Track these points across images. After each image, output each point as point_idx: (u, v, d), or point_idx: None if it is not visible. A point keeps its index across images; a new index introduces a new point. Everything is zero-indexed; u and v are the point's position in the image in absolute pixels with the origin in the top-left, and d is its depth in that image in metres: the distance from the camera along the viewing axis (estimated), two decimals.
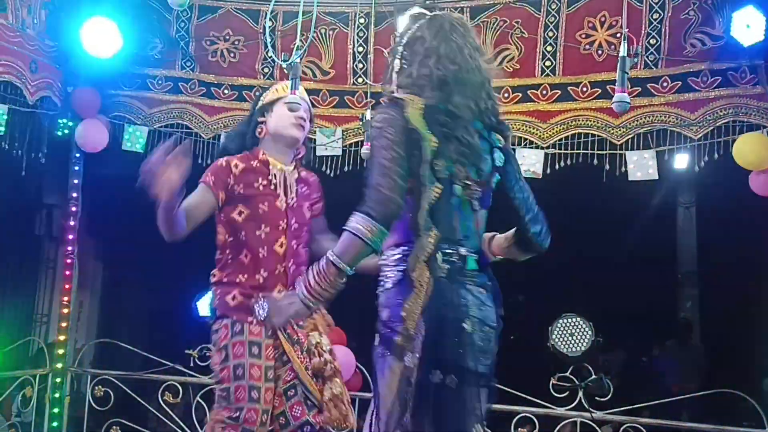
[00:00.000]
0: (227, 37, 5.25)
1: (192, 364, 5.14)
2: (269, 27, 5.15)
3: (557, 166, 4.74)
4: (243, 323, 2.98)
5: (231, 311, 3.01)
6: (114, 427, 5.23)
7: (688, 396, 5.05)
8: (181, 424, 5.22)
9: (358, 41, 5.09)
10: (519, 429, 4.73)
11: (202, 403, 5.16)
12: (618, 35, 4.54)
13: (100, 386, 5.23)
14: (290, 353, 2.96)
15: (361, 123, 4.91)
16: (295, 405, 2.96)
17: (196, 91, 5.33)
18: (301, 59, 4.89)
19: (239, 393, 2.86)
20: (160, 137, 5.29)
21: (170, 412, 5.23)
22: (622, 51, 3.38)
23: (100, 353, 6.89)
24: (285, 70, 4.93)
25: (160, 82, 5.36)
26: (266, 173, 3.12)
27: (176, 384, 5.15)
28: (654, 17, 4.56)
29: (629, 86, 4.11)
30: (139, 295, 7.69)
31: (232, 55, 5.26)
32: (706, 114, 4.49)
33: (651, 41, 4.55)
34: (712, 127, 4.48)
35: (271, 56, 5.16)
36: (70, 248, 5.28)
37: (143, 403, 5.37)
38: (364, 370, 4.82)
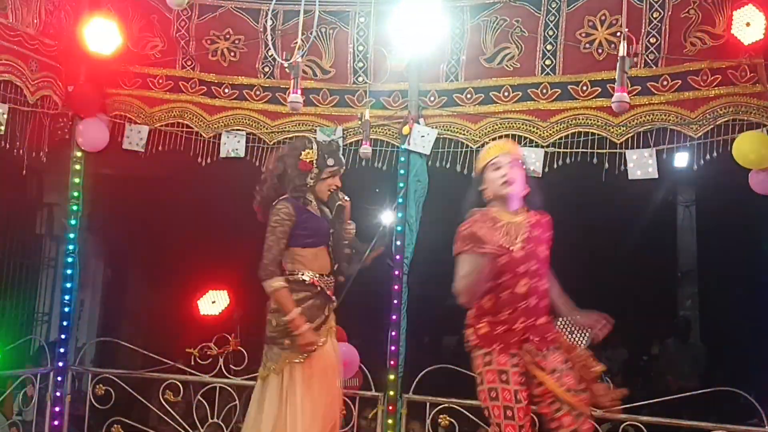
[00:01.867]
0: (228, 37, 5.25)
1: (193, 363, 5.16)
2: (270, 26, 5.16)
3: (557, 165, 4.75)
4: (492, 353, 3.39)
5: (482, 342, 3.44)
6: (115, 425, 5.24)
7: (688, 394, 5.05)
8: (182, 422, 5.23)
9: (358, 40, 5.09)
10: None
11: (203, 401, 5.18)
12: (618, 34, 4.54)
13: (101, 385, 5.23)
14: (541, 377, 3.35)
15: (359, 122, 4.93)
16: (564, 417, 3.37)
17: (196, 90, 5.34)
18: (302, 58, 4.90)
19: (495, 411, 3.31)
20: (161, 136, 5.30)
21: (171, 410, 5.24)
22: (622, 51, 3.38)
23: (101, 352, 6.90)
24: (287, 70, 4.94)
25: (160, 81, 5.37)
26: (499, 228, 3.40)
27: (177, 382, 5.16)
28: (654, 16, 4.56)
29: (629, 85, 4.12)
30: (140, 294, 7.70)
31: (232, 54, 5.27)
32: (705, 113, 4.49)
33: (651, 40, 4.55)
34: (711, 126, 4.47)
35: (272, 55, 5.17)
36: (71, 247, 5.28)
37: (144, 401, 5.38)
38: (365, 369, 4.83)
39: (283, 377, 3.84)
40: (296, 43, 5.04)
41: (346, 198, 4.10)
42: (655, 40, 4.54)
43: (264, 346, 3.94)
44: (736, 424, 4.57)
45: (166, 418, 5.28)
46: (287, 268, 3.93)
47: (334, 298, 4.04)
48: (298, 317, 3.80)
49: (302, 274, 3.92)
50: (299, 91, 3.85)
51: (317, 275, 3.95)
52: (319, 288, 3.94)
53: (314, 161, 3.99)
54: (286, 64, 4.68)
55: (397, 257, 4.93)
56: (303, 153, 3.99)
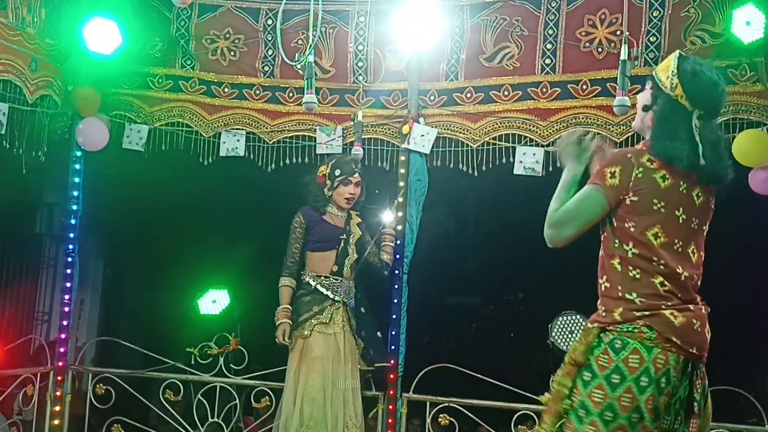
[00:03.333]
0: (227, 36, 5.25)
1: (193, 362, 5.16)
2: (270, 26, 5.16)
3: (558, 164, 4.73)
4: None
5: None
6: (115, 425, 5.24)
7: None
8: (182, 422, 5.23)
9: (357, 39, 5.09)
10: (519, 426, 4.75)
11: (203, 401, 5.18)
12: (618, 33, 4.54)
13: (101, 384, 5.24)
14: None
15: (353, 123, 4.93)
16: None
17: (196, 90, 5.33)
18: (299, 60, 4.91)
19: None
20: (161, 136, 5.30)
21: (171, 410, 5.24)
22: (623, 54, 3.39)
23: (101, 351, 6.89)
24: (300, 71, 4.96)
25: (160, 80, 5.36)
26: None
27: (177, 382, 5.17)
28: (654, 15, 4.56)
29: (629, 84, 4.12)
30: (140, 293, 7.70)
31: (232, 53, 5.26)
32: None
33: (651, 39, 4.55)
34: None
35: (272, 54, 5.17)
36: (71, 246, 5.28)
37: (144, 401, 5.38)
38: None
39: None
40: (296, 42, 5.09)
41: (390, 231, 4.89)
42: (655, 38, 4.54)
43: None
44: (736, 423, 4.58)
45: (166, 417, 5.29)
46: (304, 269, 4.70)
47: (334, 297, 4.62)
48: (280, 312, 4.60)
49: (305, 275, 4.67)
50: (313, 91, 3.89)
51: (315, 276, 4.65)
52: (313, 287, 4.62)
53: (326, 175, 4.69)
54: (298, 66, 4.74)
55: (397, 256, 4.93)
56: (319, 169, 4.75)
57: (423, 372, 4.88)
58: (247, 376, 5.14)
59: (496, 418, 5.10)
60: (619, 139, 4.62)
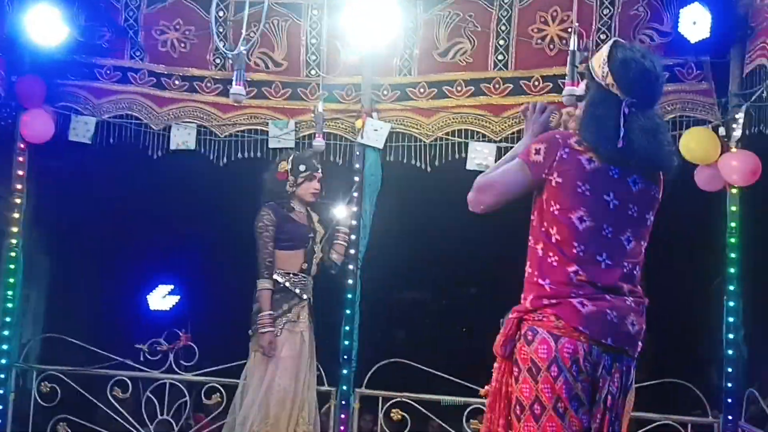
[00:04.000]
0: (178, 27, 5.17)
1: (142, 359, 5.08)
2: (221, 17, 5.09)
3: None
4: None
5: None
6: (61, 423, 5.15)
7: (635, 386, 5.13)
8: (131, 420, 5.16)
9: (311, 33, 5.05)
10: (471, 420, 4.78)
11: (152, 398, 5.10)
12: (569, 30, 4.58)
13: (46, 382, 5.14)
14: None
15: (313, 115, 4.90)
16: None
17: (145, 82, 5.24)
18: (250, 51, 4.85)
19: None
20: (109, 128, 5.20)
21: (119, 407, 5.16)
22: (572, 45, 3.42)
23: (46, 348, 6.74)
24: (230, 60, 4.88)
25: (108, 71, 5.26)
26: None
27: (125, 379, 5.09)
28: (604, 13, 4.62)
29: (580, 80, 4.16)
30: (87, 289, 7.55)
31: (182, 45, 5.18)
32: None
33: (601, 36, 4.61)
34: None
35: (224, 46, 5.10)
36: (14, 241, 5.16)
37: (91, 399, 5.28)
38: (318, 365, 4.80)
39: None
40: (249, 35, 5.03)
41: (344, 230, 4.85)
42: (605, 36, 4.60)
43: None
44: (681, 415, 4.67)
45: (114, 415, 5.19)
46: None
47: (302, 295, 4.54)
48: (264, 318, 4.41)
49: (276, 274, 4.51)
50: (242, 83, 3.82)
51: (284, 273, 4.52)
52: (282, 284, 4.49)
53: (288, 171, 4.59)
54: (230, 55, 4.64)
55: (351, 251, 4.91)
56: (279, 165, 4.63)
57: (375, 367, 4.88)
58: (198, 372, 5.09)
59: (448, 413, 5.13)
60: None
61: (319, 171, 4.65)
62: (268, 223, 4.48)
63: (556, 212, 2.54)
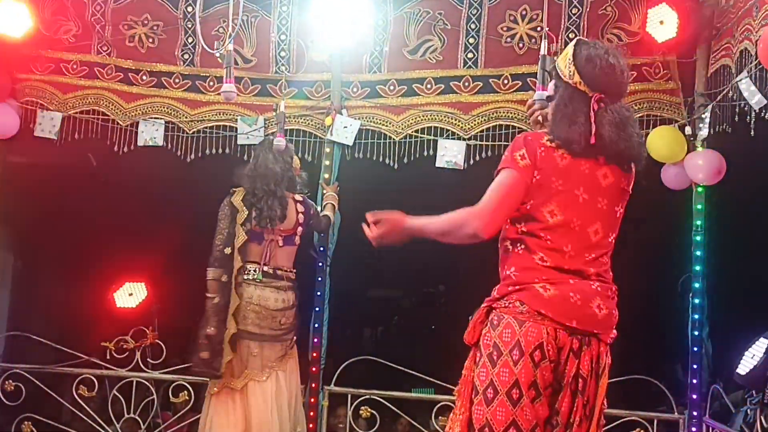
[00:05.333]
0: (146, 22, 5.11)
1: (108, 357, 5.03)
2: (190, 13, 5.05)
3: (479, 158, 4.80)
4: None
5: None
6: (25, 422, 5.07)
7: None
8: (97, 418, 5.10)
9: (280, 29, 5.03)
10: (439, 417, 4.79)
11: (119, 396, 5.05)
12: (538, 29, 4.61)
13: (10, 381, 5.06)
14: None
15: (275, 113, 4.87)
16: None
17: (112, 77, 5.18)
18: (220, 47, 4.81)
19: None
20: (75, 124, 5.13)
21: (85, 406, 5.10)
22: (543, 49, 3.43)
23: (10, 346, 6.64)
24: (219, 60, 4.84)
25: (74, 66, 5.19)
26: None
27: (91, 377, 5.03)
28: (573, 12, 4.65)
29: (549, 80, 4.19)
30: (52, 286, 7.44)
31: (150, 40, 5.13)
32: None
33: (570, 36, 4.64)
34: None
35: (192, 42, 5.06)
36: None
37: (57, 397, 5.21)
38: None
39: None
40: (217, 30, 5.00)
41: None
42: (574, 35, 4.62)
43: None
44: (647, 410, 4.72)
45: (80, 414, 5.13)
46: None
47: None
48: None
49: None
50: (233, 81, 3.79)
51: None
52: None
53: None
54: (217, 54, 4.59)
55: (321, 248, 4.90)
56: (294, 160, 4.53)
57: (344, 364, 4.87)
58: (165, 370, 5.04)
59: (416, 409, 5.14)
60: None
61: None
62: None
63: (529, 207, 2.58)
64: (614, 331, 2.64)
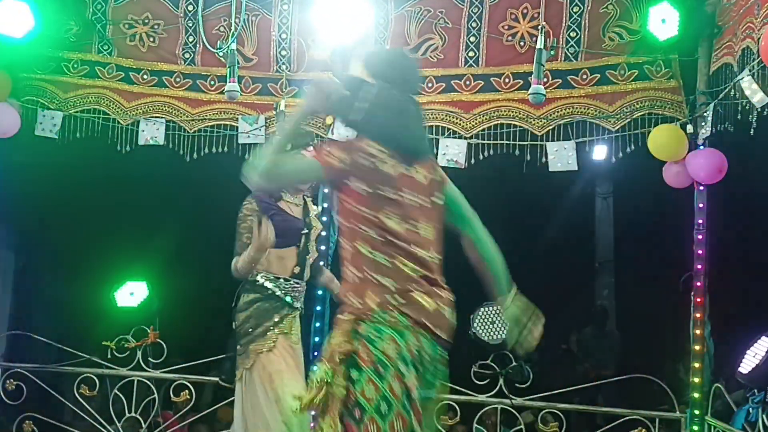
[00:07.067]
0: (146, 21, 5.11)
1: (109, 356, 5.03)
2: (191, 11, 5.05)
3: (480, 157, 4.80)
4: None
5: None
6: (27, 421, 5.08)
7: (604, 381, 5.19)
8: (98, 417, 5.10)
9: (281, 28, 5.02)
10: (441, 416, 4.78)
11: (120, 395, 5.05)
12: (540, 27, 4.60)
13: (11, 380, 5.07)
14: None
15: (275, 112, 4.87)
16: None
17: (113, 76, 5.18)
18: (221, 46, 4.82)
19: None
20: (76, 123, 5.13)
21: (86, 405, 5.10)
22: (539, 43, 3.44)
23: (11, 345, 6.65)
24: (222, 59, 4.87)
25: (75, 65, 5.19)
26: None
27: (93, 376, 5.04)
28: (574, 10, 4.64)
29: (550, 78, 4.19)
30: (54, 286, 7.45)
31: (151, 39, 5.13)
32: (623, 106, 4.62)
33: (571, 34, 4.64)
34: (628, 119, 4.61)
35: (193, 41, 5.06)
36: None
37: (58, 396, 5.22)
38: None
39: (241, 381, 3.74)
40: (218, 29, 5.00)
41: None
42: (575, 34, 4.63)
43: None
44: (648, 409, 4.72)
45: (81, 413, 5.14)
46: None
47: (294, 303, 3.80)
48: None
49: (258, 275, 3.74)
50: (236, 80, 3.77)
51: (273, 277, 3.75)
52: (270, 291, 3.74)
53: None
54: (220, 53, 4.59)
55: (322, 248, 4.89)
56: None
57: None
58: (166, 369, 5.04)
59: None
60: (540, 132, 4.70)
61: (311, 149, 3.78)
62: (247, 212, 3.75)
63: (367, 213, 2.51)
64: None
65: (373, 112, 2.55)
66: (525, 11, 4.72)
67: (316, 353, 4.83)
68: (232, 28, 4.03)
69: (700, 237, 4.54)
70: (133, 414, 5.04)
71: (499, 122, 4.78)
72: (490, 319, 4.60)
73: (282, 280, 3.77)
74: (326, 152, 2.53)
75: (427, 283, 2.53)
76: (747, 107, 3.88)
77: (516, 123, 4.74)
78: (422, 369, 2.48)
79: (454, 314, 2.60)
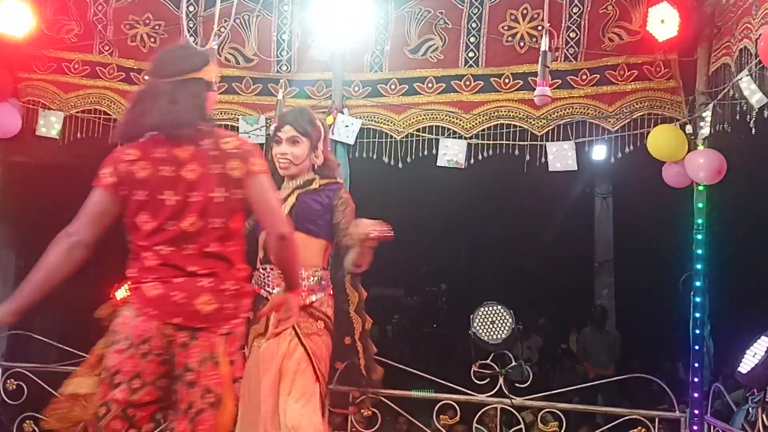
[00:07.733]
0: (147, 22, 5.12)
1: None
2: (192, 12, 5.06)
3: (480, 157, 4.81)
4: None
5: None
6: (27, 421, 5.07)
7: (604, 381, 5.20)
8: None
9: (281, 28, 5.03)
10: (441, 416, 4.79)
11: None
12: (539, 28, 4.61)
13: (12, 379, 5.05)
14: None
15: (277, 102, 4.85)
16: None
17: (114, 76, 5.19)
18: (221, 47, 4.83)
19: None
20: (77, 123, 5.14)
21: None
22: (544, 46, 3.45)
23: (12, 345, 6.66)
24: (224, 61, 4.88)
25: (76, 66, 5.20)
26: None
27: None
28: (574, 11, 4.65)
29: (550, 79, 4.20)
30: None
31: (152, 39, 5.14)
32: (622, 106, 4.63)
33: (571, 35, 4.65)
34: (628, 120, 4.62)
35: (194, 42, 5.07)
36: None
37: (58, 396, 5.21)
38: None
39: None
40: (219, 30, 5.00)
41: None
42: (574, 34, 4.64)
43: None
44: (648, 409, 4.73)
45: None
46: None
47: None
48: None
49: None
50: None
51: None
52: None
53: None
54: (214, 44, 4.59)
55: None
56: None
57: (345, 363, 4.86)
58: None
59: (418, 408, 5.15)
60: (540, 132, 4.71)
61: (288, 129, 3.52)
62: None
63: (127, 219, 2.82)
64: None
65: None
66: (525, 12, 4.73)
67: None
68: (215, 27, 4.04)
69: (699, 237, 4.55)
70: None
71: (498, 122, 4.79)
72: (489, 319, 4.61)
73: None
74: None
75: (165, 271, 2.75)
76: (746, 107, 3.89)
77: (516, 123, 4.76)
78: (154, 355, 2.71)
79: (221, 299, 2.73)
